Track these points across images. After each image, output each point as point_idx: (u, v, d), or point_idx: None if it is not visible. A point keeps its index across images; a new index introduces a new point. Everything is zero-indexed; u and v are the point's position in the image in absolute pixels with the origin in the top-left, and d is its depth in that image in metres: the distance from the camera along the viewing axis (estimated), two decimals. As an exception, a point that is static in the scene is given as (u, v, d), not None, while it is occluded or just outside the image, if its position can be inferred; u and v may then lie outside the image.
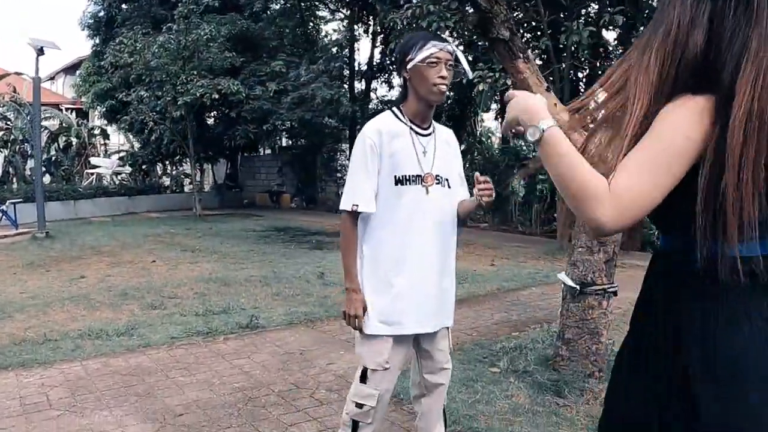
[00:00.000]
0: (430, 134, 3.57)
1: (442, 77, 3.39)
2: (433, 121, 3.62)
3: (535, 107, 2.00)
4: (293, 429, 4.93)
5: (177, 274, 12.01)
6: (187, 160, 28.65)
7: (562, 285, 6.23)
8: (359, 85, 30.04)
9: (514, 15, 14.93)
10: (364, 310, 3.46)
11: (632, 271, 11.14)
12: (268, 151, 34.17)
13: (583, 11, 17.32)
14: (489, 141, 33.13)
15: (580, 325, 6.06)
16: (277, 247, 16.10)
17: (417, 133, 3.51)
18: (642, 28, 18.29)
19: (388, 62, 27.75)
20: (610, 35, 18.90)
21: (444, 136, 3.68)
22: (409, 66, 3.41)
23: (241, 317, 8.31)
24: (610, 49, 20.44)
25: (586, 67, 19.35)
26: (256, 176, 33.96)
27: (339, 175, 31.15)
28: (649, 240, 16.19)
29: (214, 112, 27.26)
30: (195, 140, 24.89)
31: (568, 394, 5.65)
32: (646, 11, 18.82)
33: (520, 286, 11.40)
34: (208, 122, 29.03)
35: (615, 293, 6.10)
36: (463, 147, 28.03)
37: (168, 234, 18.73)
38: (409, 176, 3.45)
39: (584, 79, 20.56)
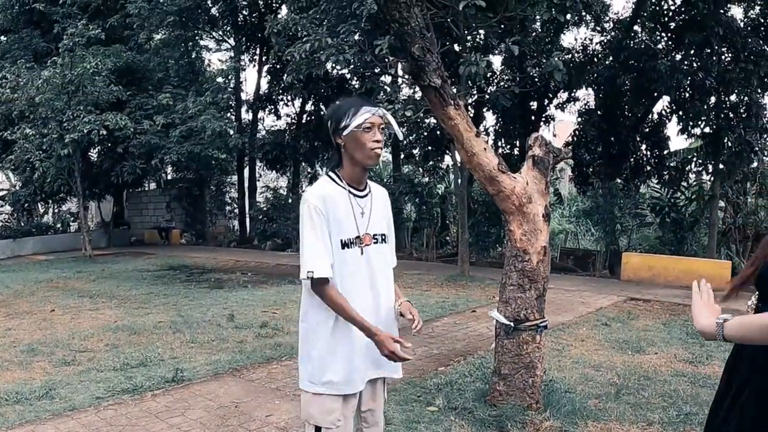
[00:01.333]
0: (366, 195, 3.61)
1: (377, 141, 3.46)
2: (367, 182, 3.67)
3: (696, 320, 2.64)
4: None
5: (81, 323, 11.57)
6: (71, 197, 27.88)
7: (495, 322, 6.41)
8: (246, 116, 29.87)
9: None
10: (395, 340, 3.39)
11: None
12: (154, 186, 33.50)
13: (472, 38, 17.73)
14: (378, 167, 33.45)
15: (515, 360, 6.28)
16: (176, 288, 15.78)
17: (355, 195, 3.54)
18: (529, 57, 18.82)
19: (275, 92, 27.64)
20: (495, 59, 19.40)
21: (379, 194, 3.72)
22: (344, 132, 3.44)
23: (162, 370, 8.06)
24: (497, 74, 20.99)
25: (474, 93, 19.73)
26: (144, 212, 33.29)
27: (228, 208, 30.84)
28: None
29: (99, 147, 26.55)
30: (81, 177, 24.22)
31: (512, 428, 5.81)
32: (533, 34, 19.47)
33: (432, 317, 11.54)
34: (93, 158, 28.26)
35: (546, 327, 6.36)
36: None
37: (61, 278, 18.11)
38: (351, 239, 3.47)
39: (473, 103, 20.97)
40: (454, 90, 16.04)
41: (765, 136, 20.27)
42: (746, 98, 19.35)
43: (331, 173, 3.59)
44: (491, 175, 6.09)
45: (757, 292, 2.75)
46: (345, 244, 3.44)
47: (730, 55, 19.33)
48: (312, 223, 3.38)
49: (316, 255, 3.35)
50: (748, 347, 2.54)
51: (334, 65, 16.91)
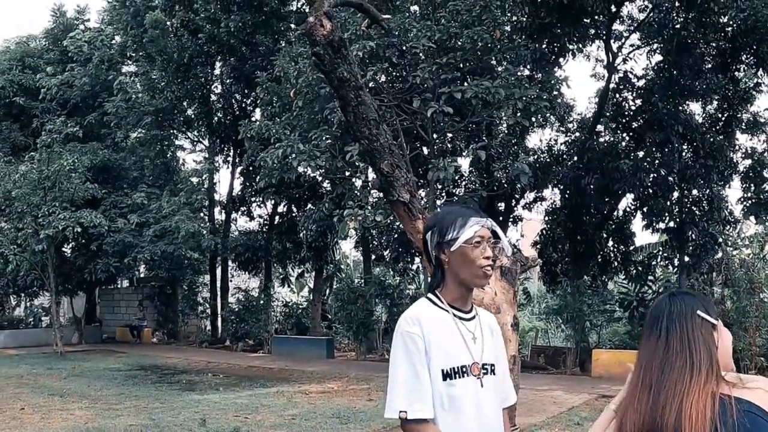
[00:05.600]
0: (473, 318, 3.08)
1: (488, 257, 3.00)
2: (473, 304, 3.16)
3: None
4: None
5: (51, 424, 11.55)
6: (43, 292, 27.80)
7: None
8: (219, 217, 30.10)
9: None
10: None
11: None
12: (126, 283, 33.45)
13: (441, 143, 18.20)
14: (349, 269, 33.61)
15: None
16: (147, 389, 15.74)
17: (461, 318, 3.02)
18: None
19: (248, 194, 27.92)
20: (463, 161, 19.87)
21: (487, 319, 3.20)
22: (452, 248, 2.97)
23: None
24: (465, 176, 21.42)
25: (442, 196, 20.16)
26: (116, 309, 33.15)
27: (201, 308, 30.77)
28: None
29: (73, 243, 26.64)
30: (55, 272, 24.25)
31: None
32: (500, 137, 19.98)
33: (403, 422, 11.52)
34: (67, 254, 28.32)
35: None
36: (324, 275, 28.43)
37: (31, 374, 18.04)
38: (457, 368, 2.92)
39: (441, 206, 21.35)
40: (423, 194, 16.49)
41: (728, 227, 20.76)
42: (707, 192, 19.93)
43: (431, 295, 3.10)
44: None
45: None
46: (448, 374, 2.89)
47: (690, 151, 19.96)
48: (406, 352, 2.90)
49: (411, 390, 2.84)
50: None
51: (305, 169, 17.27)
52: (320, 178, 22.85)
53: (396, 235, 22.45)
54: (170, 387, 16.31)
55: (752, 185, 19.25)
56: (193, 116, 28.23)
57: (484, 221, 3.03)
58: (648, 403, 2.42)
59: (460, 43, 15.16)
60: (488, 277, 3.06)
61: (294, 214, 26.68)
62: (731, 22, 18.38)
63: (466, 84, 14.62)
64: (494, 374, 3.06)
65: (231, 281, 30.55)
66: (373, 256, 26.58)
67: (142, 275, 32.11)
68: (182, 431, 10.84)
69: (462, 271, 2.99)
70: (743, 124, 20.22)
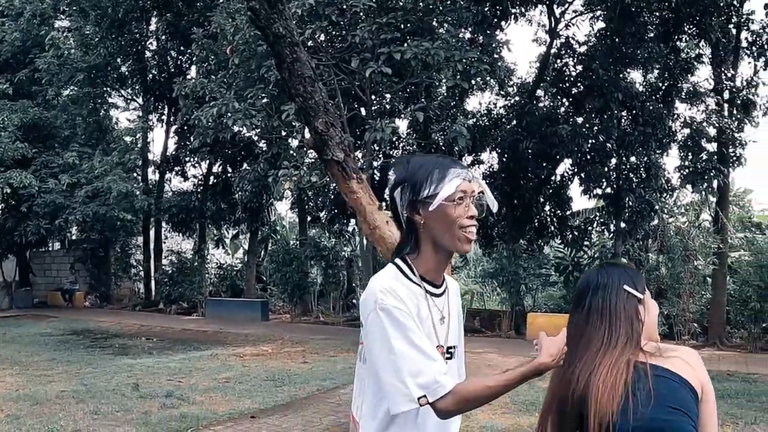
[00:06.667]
0: (443, 293, 2.63)
1: (472, 217, 2.50)
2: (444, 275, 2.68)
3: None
4: None
5: (-20, 391, 11.25)
6: (-29, 257, 27.20)
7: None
8: (153, 177, 29.59)
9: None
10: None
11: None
12: (58, 246, 32.80)
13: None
14: (285, 230, 33.43)
15: None
16: (80, 354, 15.44)
17: (432, 294, 2.56)
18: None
19: (183, 154, 27.47)
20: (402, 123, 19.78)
21: (453, 289, 2.75)
22: (431, 207, 2.46)
23: (63, 444, 7.89)
24: (403, 137, 21.32)
25: (379, 158, 20.08)
26: (47, 273, 32.54)
27: (134, 270, 30.35)
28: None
29: (3, 205, 26.00)
30: (-17, 236, 23.71)
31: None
32: (438, 99, 19.89)
33: (339, 384, 11.57)
34: (-5, 217, 27.67)
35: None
36: (259, 236, 28.21)
37: (-40, 342, 17.55)
38: None
39: (378, 167, 21.24)
40: (360, 155, 16.36)
41: (664, 195, 21.00)
42: (645, 159, 20.10)
43: (400, 262, 2.57)
44: (393, 248, 6.17)
45: None
46: None
47: (629, 118, 20.10)
48: (398, 327, 2.38)
49: (421, 370, 2.35)
50: None
51: (241, 129, 16.99)
52: (256, 138, 22.54)
53: (332, 197, 22.33)
54: (103, 351, 16.02)
55: (690, 154, 19.43)
56: (127, 73, 27.56)
57: (466, 173, 2.52)
58: (567, 374, 2.43)
59: (401, 3, 15.01)
60: (471, 242, 2.53)
61: (229, 175, 26.28)
62: (675, -7, 18.51)
63: (406, 45, 14.43)
64: (455, 357, 2.70)
65: (165, 243, 30.10)
66: (309, 218, 26.48)
67: (74, 237, 31.42)
68: (115, 396, 10.61)
69: (441, 234, 2.50)
70: (683, 93, 20.34)
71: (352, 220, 22.93)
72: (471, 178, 2.51)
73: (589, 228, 23.70)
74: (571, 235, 23.08)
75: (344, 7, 15.11)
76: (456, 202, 2.44)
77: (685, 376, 2.33)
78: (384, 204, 6.22)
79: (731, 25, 19.44)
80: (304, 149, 15.51)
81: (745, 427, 8.83)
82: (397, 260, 2.57)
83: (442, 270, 2.60)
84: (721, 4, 18.66)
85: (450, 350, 2.62)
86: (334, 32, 16.21)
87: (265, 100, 15.75)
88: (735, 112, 19.54)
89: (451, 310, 2.64)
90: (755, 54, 19.54)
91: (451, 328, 2.63)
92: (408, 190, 2.52)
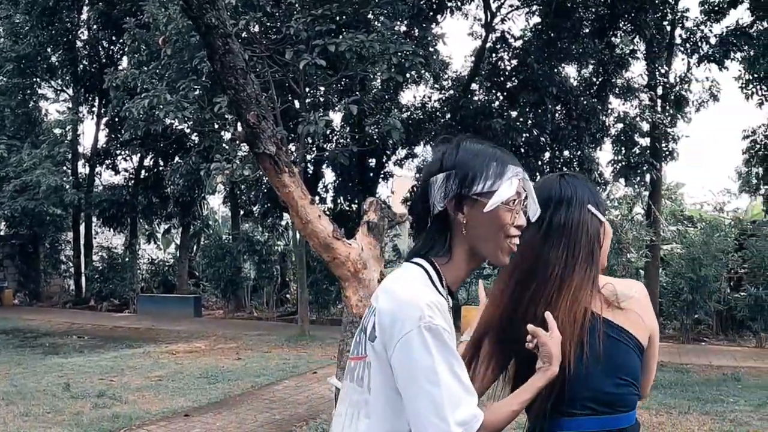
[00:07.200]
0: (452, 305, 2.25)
1: (519, 227, 2.14)
2: None
3: None
4: None
5: None
6: None
7: (334, 388, 6.34)
8: (83, 170, 29.00)
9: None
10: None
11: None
12: (-17, 242, 32.05)
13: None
14: (217, 225, 33.10)
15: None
16: (8, 354, 14.98)
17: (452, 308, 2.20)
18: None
19: (114, 147, 26.98)
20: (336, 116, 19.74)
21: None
22: (486, 208, 2.08)
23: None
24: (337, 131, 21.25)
25: (313, 151, 20.01)
26: (-26, 270, 31.71)
27: (64, 267, 29.79)
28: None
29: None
30: None
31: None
32: (373, 92, 19.84)
33: (273, 381, 11.49)
34: None
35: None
36: (191, 231, 27.88)
37: None
38: None
39: (312, 160, 21.20)
40: (293, 148, 16.23)
41: (598, 189, 21.23)
42: (579, 153, 20.34)
43: (428, 266, 2.15)
44: (326, 243, 6.07)
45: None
46: None
47: (563, 113, 20.32)
48: (445, 352, 1.99)
49: (463, 397, 2.00)
50: None
51: (173, 121, 16.73)
52: (188, 131, 22.13)
53: (265, 190, 22.11)
54: (33, 351, 15.59)
55: (623, 148, 19.72)
56: (57, 64, 26.91)
57: (523, 172, 2.14)
58: (515, 294, 2.30)
59: (336, -5, 14.89)
60: (509, 255, 2.16)
61: (161, 168, 25.84)
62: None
63: (341, 37, 14.33)
64: None
65: (95, 238, 29.53)
66: (242, 212, 26.30)
67: (1, 233, 30.69)
68: (45, 396, 10.33)
69: (484, 240, 2.12)
70: (617, 89, 20.64)
71: (285, 215, 22.81)
72: (527, 180, 2.15)
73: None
74: (503, 228, 23.12)
75: (279, -3, 15.00)
76: (509, 206, 2.09)
77: (637, 333, 2.22)
78: (317, 198, 6.11)
79: (666, 22, 19.85)
80: (237, 142, 15.34)
81: (679, 416, 8.93)
82: (423, 262, 2.15)
83: (463, 281, 2.25)
84: (656, 1, 18.98)
85: None
86: (268, 23, 16.03)
87: (197, 92, 15.52)
88: (668, 107, 19.94)
89: (452, 326, 2.17)
90: (689, 51, 19.99)
91: None
92: (455, 179, 2.09)
